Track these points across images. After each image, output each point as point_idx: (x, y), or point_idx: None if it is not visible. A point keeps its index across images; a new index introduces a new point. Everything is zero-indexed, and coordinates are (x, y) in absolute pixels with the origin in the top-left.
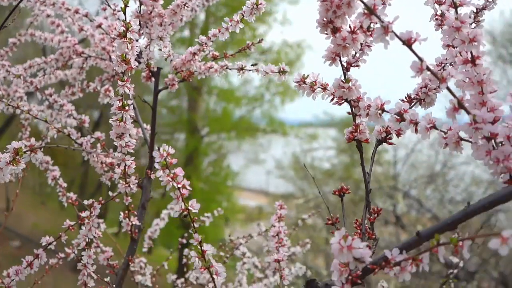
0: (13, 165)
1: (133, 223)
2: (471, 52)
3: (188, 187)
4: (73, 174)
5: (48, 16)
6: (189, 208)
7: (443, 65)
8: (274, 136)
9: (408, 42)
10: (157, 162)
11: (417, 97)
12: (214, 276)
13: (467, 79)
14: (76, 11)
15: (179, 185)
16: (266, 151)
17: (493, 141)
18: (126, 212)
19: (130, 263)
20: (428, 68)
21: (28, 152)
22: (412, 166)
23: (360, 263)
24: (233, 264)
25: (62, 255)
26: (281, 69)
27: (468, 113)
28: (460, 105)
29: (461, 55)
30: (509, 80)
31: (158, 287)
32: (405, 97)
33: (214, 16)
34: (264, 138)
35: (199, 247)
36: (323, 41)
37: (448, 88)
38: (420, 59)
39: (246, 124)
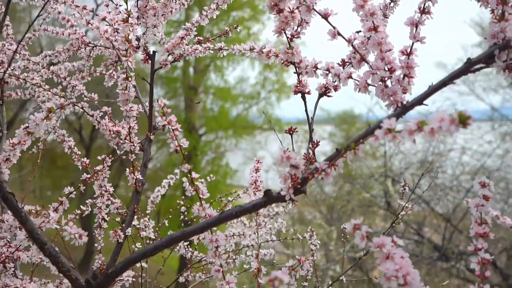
0: (47, 121)
1: (137, 177)
2: (373, 22)
3: (180, 129)
4: (74, 176)
5: (59, 13)
6: (181, 144)
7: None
8: (271, 133)
9: (325, 16)
10: (157, 110)
11: (349, 60)
12: (201, 196)
13: (371, 41)
14: (84, 8)
15: (173, 127)
16: (263, 148)
17: (389, 83)
18: (131, 168)
19: (135, 211)
20: (339, 33)
21: (59, 110)
22: (404, 154)
23: (296, 169)
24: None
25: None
26: (251, 47)
27: (368, 63)
28: (362, 58)
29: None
30: None
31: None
32: (340, 61)
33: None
34: (261, 136)
35: (189, 175)
36: (316, 39)
37: (353, 46)
38: (334, 27)
39: (243, 122)
